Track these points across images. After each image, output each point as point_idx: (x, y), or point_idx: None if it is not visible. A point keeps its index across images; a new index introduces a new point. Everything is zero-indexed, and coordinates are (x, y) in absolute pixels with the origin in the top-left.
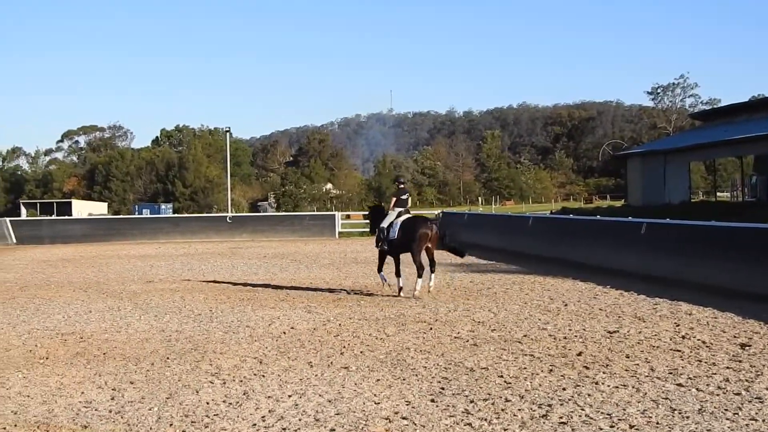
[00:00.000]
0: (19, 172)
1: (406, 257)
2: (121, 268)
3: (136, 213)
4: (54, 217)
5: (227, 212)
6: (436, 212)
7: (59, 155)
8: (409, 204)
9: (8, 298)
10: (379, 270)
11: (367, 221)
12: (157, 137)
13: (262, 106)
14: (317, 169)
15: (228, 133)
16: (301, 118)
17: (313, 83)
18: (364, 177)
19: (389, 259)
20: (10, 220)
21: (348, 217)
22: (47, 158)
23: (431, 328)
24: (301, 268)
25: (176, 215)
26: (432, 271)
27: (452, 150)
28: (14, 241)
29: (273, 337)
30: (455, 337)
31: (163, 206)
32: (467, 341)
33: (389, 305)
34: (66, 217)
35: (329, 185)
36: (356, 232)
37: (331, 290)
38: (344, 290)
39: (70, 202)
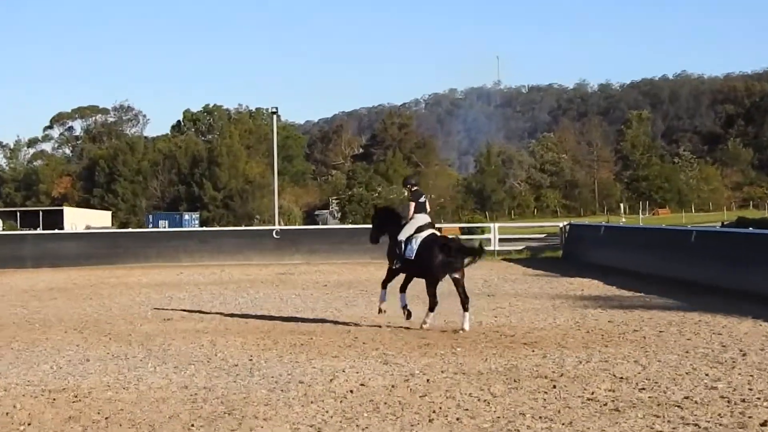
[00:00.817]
0: None
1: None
2: (129, 301)
3: (150, 226)
4: (39, 231)
5: (273, 225)
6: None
7: (47, 147)
8: (429, 209)
9: None
10: (384, 286)
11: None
12: (178, 122)
13: (320, 78)
14: (396, 164)
15: (275, 116)
16: (374, 95)
17: (390, 47)
18: (460, 175)
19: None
20: None
21: (439, 231)
22: (31, 151)
23: (554, 386)
24: (375, 302)
25: (204, 229)
26: (465, 309)
27: (583, 138)
28: None
29: (336, 398)
30: (588, 399)
31: (186, 216)
32: (605, 405)
33: (495, 353)
34: (56, 231)
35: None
36: None
37: (413, 330)
38: (427, 322)
39: (61, 211)
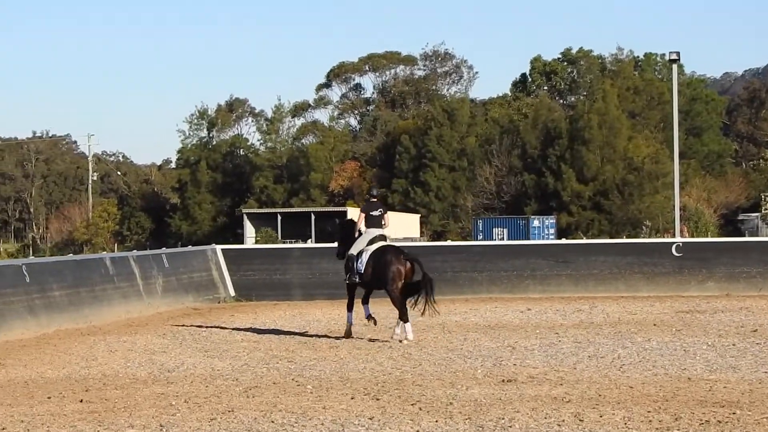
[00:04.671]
0: (235, 150)
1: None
2: (446, 352)
3: (480, 236)
4: (311, 243)
5: (673, 236)
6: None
7: (321, 116)
8: (386, 223)
9: None
10: (349, 308)
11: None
12: (523, 76)
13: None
14: None
15: (675, 65)
16: None
17: None
18: None
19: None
20: (223, 249)
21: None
22: (297, 122)
23: None
24: None
25: (564, 242)
26: (404, 320)
27: None
28: (231, 292)
29: None
30: None
31: (536, 222)
32: None
33: None
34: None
35: None
36: None
37: None
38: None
39: (344, 213)
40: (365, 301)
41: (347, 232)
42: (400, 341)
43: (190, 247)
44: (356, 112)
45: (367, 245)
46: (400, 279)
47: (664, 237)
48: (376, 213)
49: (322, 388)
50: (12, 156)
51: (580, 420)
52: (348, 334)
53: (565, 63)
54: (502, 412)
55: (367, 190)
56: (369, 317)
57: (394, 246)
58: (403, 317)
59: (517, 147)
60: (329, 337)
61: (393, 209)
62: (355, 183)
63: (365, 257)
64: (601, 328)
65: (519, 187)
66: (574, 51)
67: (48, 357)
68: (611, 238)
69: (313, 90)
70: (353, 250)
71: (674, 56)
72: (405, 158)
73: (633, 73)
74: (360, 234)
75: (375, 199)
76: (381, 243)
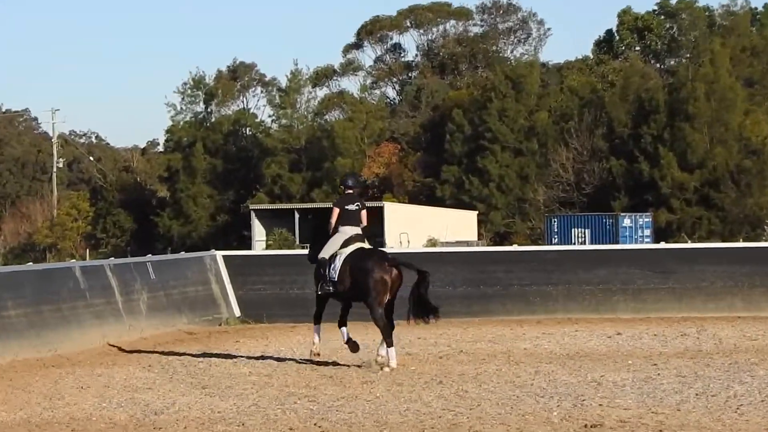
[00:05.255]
0: (240, 129)
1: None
2: (479, 388)
3: (555, 238)
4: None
5: None
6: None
7: (348, 84)
8: (364, 221)
9: None
10: (316, 320)
11: None
12: (608, 33)
13: None
14: None
15: None
16: None
17: None
18: None
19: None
20: (225, 257)
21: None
22: (319, 93)
23: None
24: None
25: (663, 246)
26: (388, 344)
27: None
28: (235, 311)
29: None
30: None
31: (626, 221)
32: None
33: None
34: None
35: None
36: None
37: None
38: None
39: (380, 209)
40: (342, 323)
41: (320, 232)
42: (381, 368)
43: (183, 254)
44: (395, 80)
45: (341, 247)
46: (384, 292)
47: None
48: (352, 207)
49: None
50: None
51: None
52: (317, 353)
53: (663, 17)
54: None
55: (343, 178)
56: (349, 341)
57: (375, 249)
58: (387, 339)
59: (601, 124)
60: (361, 367)
61: (443, 204)
62: (393, 171)
63: (339, 262)
64: (712, 357)
65: (604, 176)
66: (673, 1)
67: (1, 395)
68: (724, 241)
69: (339, 52)
70: (324, 254)
71: None
72: (458, 139)
73: (750, 30)
74: (334, 233)
75: (352, 191)
76: (358, 244)
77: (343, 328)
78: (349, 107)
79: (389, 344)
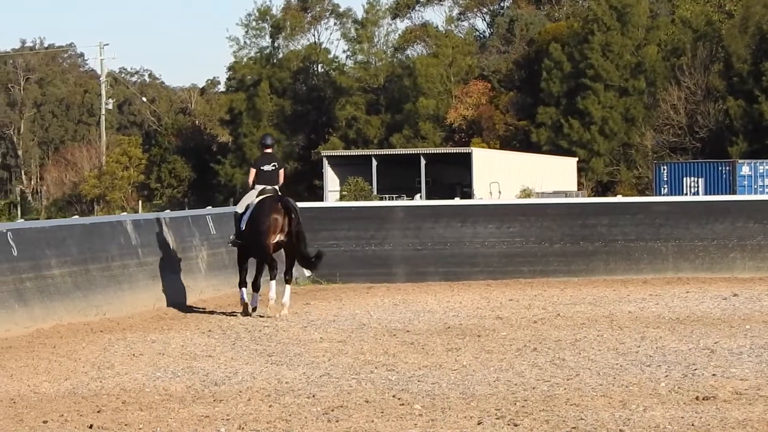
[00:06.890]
0: (311, 65)
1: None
2: (577, 356)
3: (665, 189)
4: (418, 200)
5: None
6: None
7: (433, 15)
8: (281, 179)
9: None
10: (241, 284)
11: None
12: None
13: None
14: None
15: None
16: None
17: None
18: None
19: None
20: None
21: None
22: (401, 25)
23: None
24: None
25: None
26: (286, 280)
27: None
28: (305, 271)
29: None
30: None
31: (745, 168)
32: None
33: None
34: (453, 203)
35: None
36: None
37: None
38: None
39: (468, 155)
40: (256, 288)
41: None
42: (279, 313)
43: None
44: (485, 10)
45: (256, 199)
46: (274, 232)
47: None
48: (268, 168)
49: (436, 409)
50: None
51: None
52: (245, 313)
53: None
54: None
55: (262, 138)
56: (245, 304)
57: (275, 196)
58: (271, 272)
59: (718, 60)
60: (447, 334)
61: (539, 150)
62: (483, 113)
63: (247, 213)
64: None
65: (721, 119)
66: None
67: (44, 364)
68: None
69: None
70: (239, 208)
71: None
72: (555, 77)
73: None
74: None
75: (269, 150)
76: (266, 196)
77: (256, 294)
78: (433, 41)
79: (272, 276)
